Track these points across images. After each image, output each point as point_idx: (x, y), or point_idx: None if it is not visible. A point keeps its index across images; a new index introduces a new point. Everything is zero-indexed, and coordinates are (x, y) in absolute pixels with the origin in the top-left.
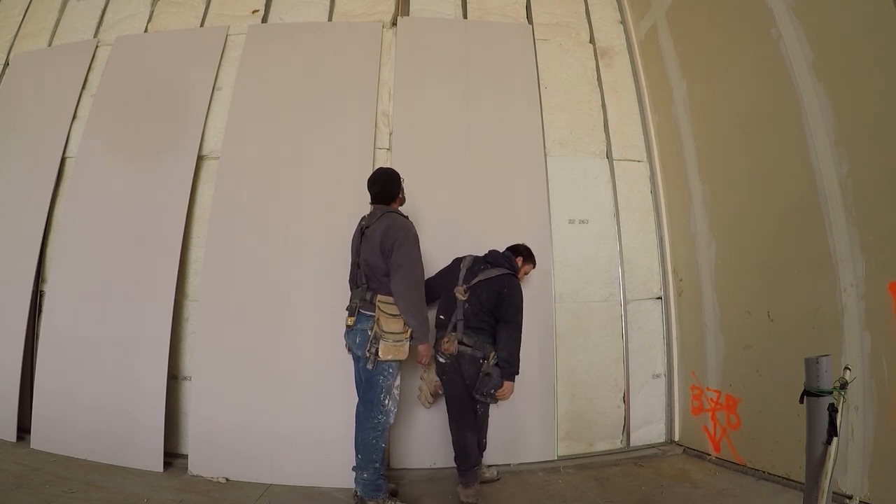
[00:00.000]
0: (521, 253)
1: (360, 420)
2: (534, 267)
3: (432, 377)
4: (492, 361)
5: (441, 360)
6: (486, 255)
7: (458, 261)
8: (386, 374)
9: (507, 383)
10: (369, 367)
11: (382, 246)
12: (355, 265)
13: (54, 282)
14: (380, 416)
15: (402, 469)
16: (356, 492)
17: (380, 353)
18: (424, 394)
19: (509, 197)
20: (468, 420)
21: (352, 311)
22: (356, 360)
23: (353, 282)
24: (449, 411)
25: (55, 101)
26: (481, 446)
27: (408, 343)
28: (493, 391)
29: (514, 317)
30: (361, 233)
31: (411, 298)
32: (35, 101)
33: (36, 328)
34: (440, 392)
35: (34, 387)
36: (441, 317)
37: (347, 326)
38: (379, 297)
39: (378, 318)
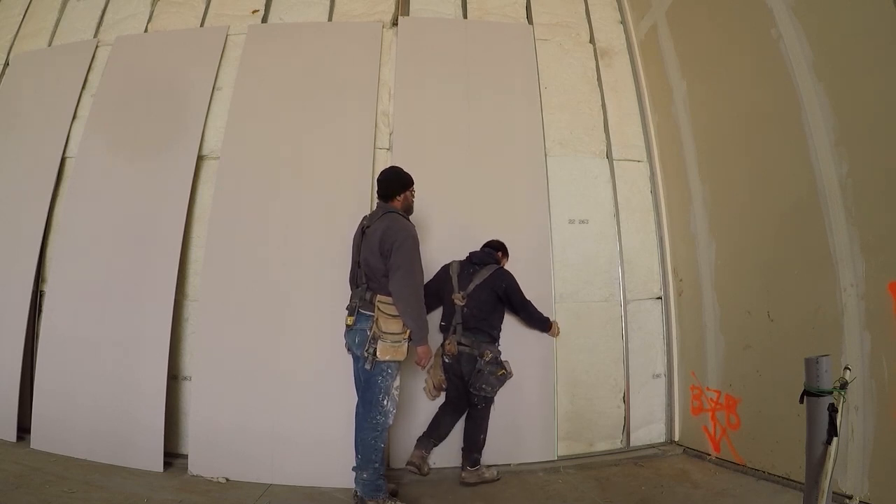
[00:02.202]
0: (499, 248)
1: (359, 420)
2: (508, 259)
3: (439, 373)
4: (487, 359)
5: (446, 360)
6: (469, 257)
7: (445, 269)
8: (385, 374)
9: (552, 330)
10: (367, 367)
11: (382, 246)
12: (356, 264)
13: (54, 282)
14: (378, 417)
15: (403, 469)
16: (356, 492)
17: (378, 353)
18: (429, 386)
19: (509, 197)
20: (456, 407)
21: (351, 310)
22: (355, 359)
23: (353, 281)
24: (446, 398)
25: (55, 101)
26: (480, 443)
27: (406, 344)
28: (483, 385)
29: (523, 303)
30: (362, 232)
31: (410, 300)
32: (35, 101)
33: (36, 328)
34: (444, 387)
35: (34, 387)
36: (443, 323)
37: (347, 326)
38: (378, 297)
39: (377, 319)
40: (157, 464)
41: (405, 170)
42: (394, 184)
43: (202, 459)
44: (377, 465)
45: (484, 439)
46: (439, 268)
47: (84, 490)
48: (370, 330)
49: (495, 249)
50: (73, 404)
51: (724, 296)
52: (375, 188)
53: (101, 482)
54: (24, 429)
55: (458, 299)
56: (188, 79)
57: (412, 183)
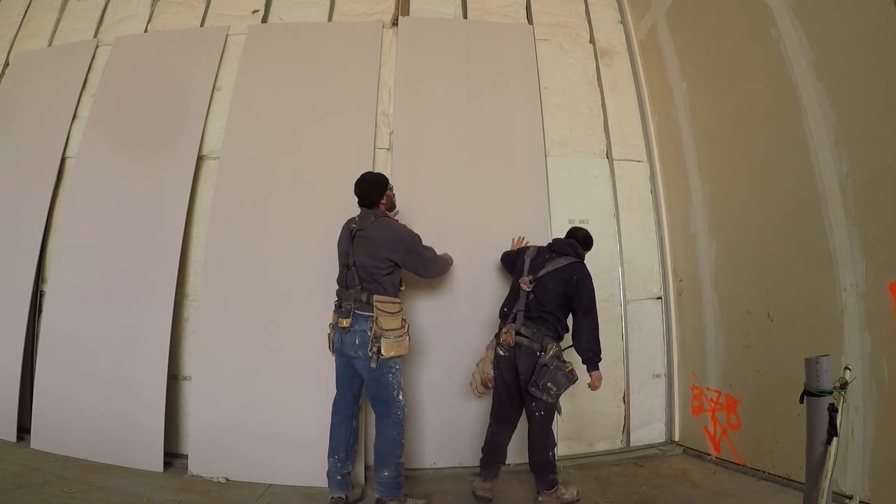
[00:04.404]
0: (583, 243)
1: (380, 420)
2: (589, 250)
3: (487, 368)
4: (549, 353)
5: (501, 352)
6: (549, 244)
7: (522, 251)
8: (394, 370)
9: (594, 373)
10: (373, 366)
11: (392, 253)
12: (345, 267)
13: (54, 282)
14: (398, 412)
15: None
16: (346, 496)
17: (383, 350)
18: (476, 382)
19: (509, 197)
20: (510, 419)
21: (346, 313)
22: (351, 360)
23: (343, 283)
24: (493, 405)
25: (55, 101)
26: (551, 461)
27: (408, 338)
28: (549, 384)
29: (590, 307)
30: (351, 235)
31: (446, 269)
32: (35, 101)
33: (36, 328)
34: (490, 385)
35: (34, 387)
36: (504, 308)
37: (342, 329)
38: (376, 297)
39: (377, 318)
40: (157, 464)
41: (396, 168)
42: (376, 189)
43: (202, 459)
44: (400, 459)
45: (554, 455)
46: None
47: (84, 490)
48: (370, 330)
49: (579, 242)
50: (73, 404)
51: (724, 296)
52: (357, 199)
53: (100, 482)
54: (24, 429)
55: (525, 284)
56: (188, 79)
57: (388, 180)
